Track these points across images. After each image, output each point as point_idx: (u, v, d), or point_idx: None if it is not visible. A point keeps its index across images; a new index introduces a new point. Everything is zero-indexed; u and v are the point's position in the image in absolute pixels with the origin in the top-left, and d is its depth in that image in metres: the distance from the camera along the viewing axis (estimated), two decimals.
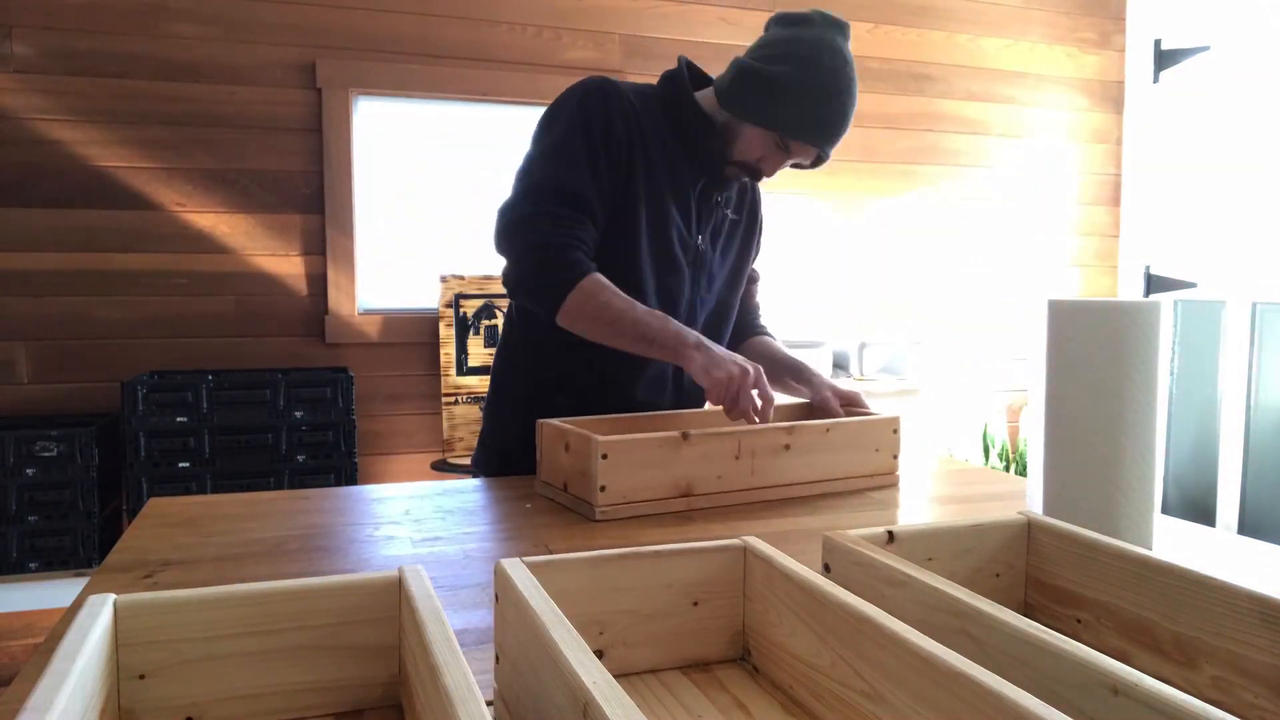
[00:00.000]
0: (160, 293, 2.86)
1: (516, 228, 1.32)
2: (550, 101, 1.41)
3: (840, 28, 1.37)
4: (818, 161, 1.41)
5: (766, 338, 1.64)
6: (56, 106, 2.75)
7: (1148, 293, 3.76)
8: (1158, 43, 3.72)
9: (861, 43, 3.51)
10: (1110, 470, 0.92)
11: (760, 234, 1.61)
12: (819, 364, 3.23)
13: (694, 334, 1.28)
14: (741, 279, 1.57)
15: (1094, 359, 0.92)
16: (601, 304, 1.28)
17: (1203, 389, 3.52)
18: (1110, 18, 3.83)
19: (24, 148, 2.73)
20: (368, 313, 3.06)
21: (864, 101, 3.52)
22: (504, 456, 1.48)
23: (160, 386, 2.59)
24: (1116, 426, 0.92)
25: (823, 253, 3.52)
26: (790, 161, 1.41)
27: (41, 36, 2.73)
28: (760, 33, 1.41)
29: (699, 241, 1.46)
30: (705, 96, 1.44)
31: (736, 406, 1.24)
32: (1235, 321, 3.37)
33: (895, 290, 3.63)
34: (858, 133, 3.52)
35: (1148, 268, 3.77)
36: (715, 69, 1.47)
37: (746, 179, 1.45)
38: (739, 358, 1.26)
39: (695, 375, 1.26)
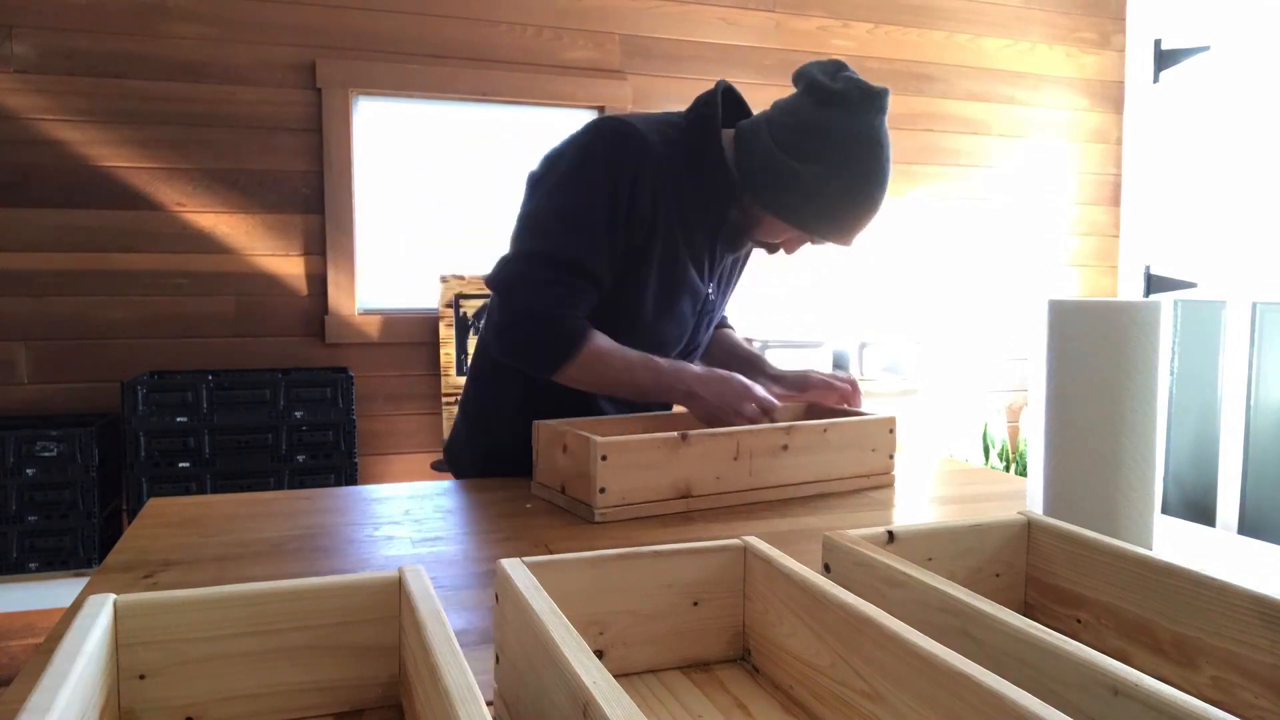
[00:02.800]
0: (160, 293, 2.86)
1: (517, 288, 1.27)
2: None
3: (877, 100, 1.24)
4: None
5: (727, 330, 1.63)
6: (56, 106, 2.75)
7: (1148, 293, 3.76)
8: (1158, 43, 3.72)
9: (861, 43, 3.51)
10: (1111, 470, 0.92)
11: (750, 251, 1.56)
12: (819, 364, 3.23)
13: (684, 379, 1.28)
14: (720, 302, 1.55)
15: (1095, 359, 0.92)
16: (598, 374, 1.29)
17: (1203, 389, 3.52)
18: (1110, 18, 3.83)
19: (24, 148, 2.73)
20: (368, 313, 3.06)
21: None
22: (489, 463, 1.44)
23: (160, 386, 2.59)
24: (1117, 426, 0.92)
25: (822, 252, 3.52)
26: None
27: (41, 36, 2.73)
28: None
29: (710, 291, 1.43)
30: (730, 139, 1.35)
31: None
32: (1235, 321, 3.37)
33: (895, 290, 3.63)
34: None
35: (1148, 268, 3.77)
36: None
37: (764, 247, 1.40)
38: (731, 385, 1.27)
39: (703, 422, 1.28)
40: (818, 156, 1.24)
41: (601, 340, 1.28)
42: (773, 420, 1.29)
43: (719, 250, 1.41)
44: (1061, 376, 0.95)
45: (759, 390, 1.28)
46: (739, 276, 1.55)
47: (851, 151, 1.23)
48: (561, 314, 1.26)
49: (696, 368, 1.30)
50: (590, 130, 1.31)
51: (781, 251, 1.40)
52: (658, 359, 1.30)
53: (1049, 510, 0.98)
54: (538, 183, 1.34)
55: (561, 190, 1.29)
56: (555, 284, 1.26)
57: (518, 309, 1.27)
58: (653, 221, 1.30)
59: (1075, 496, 0.95)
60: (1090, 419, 0.93)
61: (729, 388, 1.27)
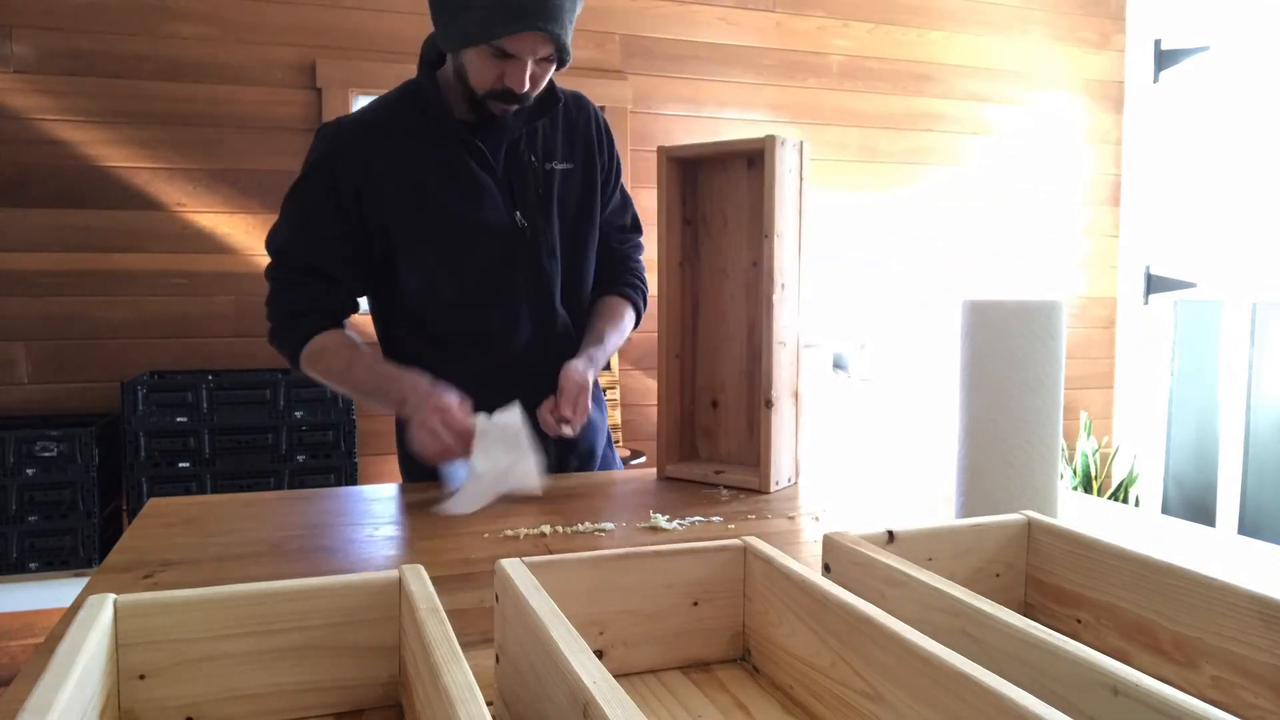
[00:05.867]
0: (160, 293, 2.86)
1: (270, 292, 1.37)
2: None
3: None
4: (560, 54, 1.24)
5: (610, 298, 1.49)
6: (57, 106, 2.75)
7: (1148, 293, 3.76)
8: (1158, 43, 3.72)
9: (861, 42, 3.51)
10: (1013, 459, 1.00)
11: (610, 170, 1.47)
12: (819, 364, 3.23)
13: (400, 386, 1.26)
14: (591, 225, 1.44)
15: (1002, 355, 0.99)
16: (322, 369, 1.35)
17: (1203, 389, 3.52)
18: (1110, 18, 3.83)
19: (24, 148, 2.73)
20: (368, 313, 3.05)
21: (864, 101, 3.52)
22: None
23: (160, 386, 2.59)
24: (1019, 417, 0.99)
25: (822, 253, 3.52)
26: (529, 66, 1.23)
27: (41, 36, 2.73)
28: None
29: (518, 219, 1.35)
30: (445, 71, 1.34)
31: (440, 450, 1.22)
32: (1234, 321, 3.37)
33: (896, 290, 3.63)
34: (857, 133, 3.52)
35: (1148, 268, 3.77)
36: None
37: (512, 107, 1.30)
38: (422, 404, 1.21)
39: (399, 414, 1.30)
40: None
41: (328, 340, 1.34)
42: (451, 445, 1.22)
43: (524, 167, 1.36)
44: (973, 372, 1.02)
45: (448, 418, 1.20)
46: (583, 196, 1.43)
47: None
48: (295, 317, 1.34)
49: (422, 382, 1.25)
50: (313, 140, 1.36)
51: (532, 83, 1.28)
52: (390, 367, 1.33)
53: (964, 502, 1.03)
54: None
55: (289, 194, 1.36)
56: (294, 286, 1.34)
57: (268, 309, 1.37)
58: (384, 201, 1.30)
59: (984, 488, 1.01)
60: (996, 409, 1.00)
61: (423, 422, 1.20)
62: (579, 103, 1.44)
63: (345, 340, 1.36)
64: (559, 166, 1.39)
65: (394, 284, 1.37)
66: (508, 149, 1.35)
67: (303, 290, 1.34)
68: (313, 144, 1.34)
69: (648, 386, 3.26)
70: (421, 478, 1.40)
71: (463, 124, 1.32)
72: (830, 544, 0.73)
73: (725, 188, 1.38)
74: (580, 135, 1.43)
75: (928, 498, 1.27)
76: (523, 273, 1.37)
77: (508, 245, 1.35)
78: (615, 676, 0.48)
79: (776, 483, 1.30)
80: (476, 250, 1.34)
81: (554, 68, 1.28)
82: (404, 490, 1.32)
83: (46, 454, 2.50)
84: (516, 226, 1.35)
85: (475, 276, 1.34)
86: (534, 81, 1.26)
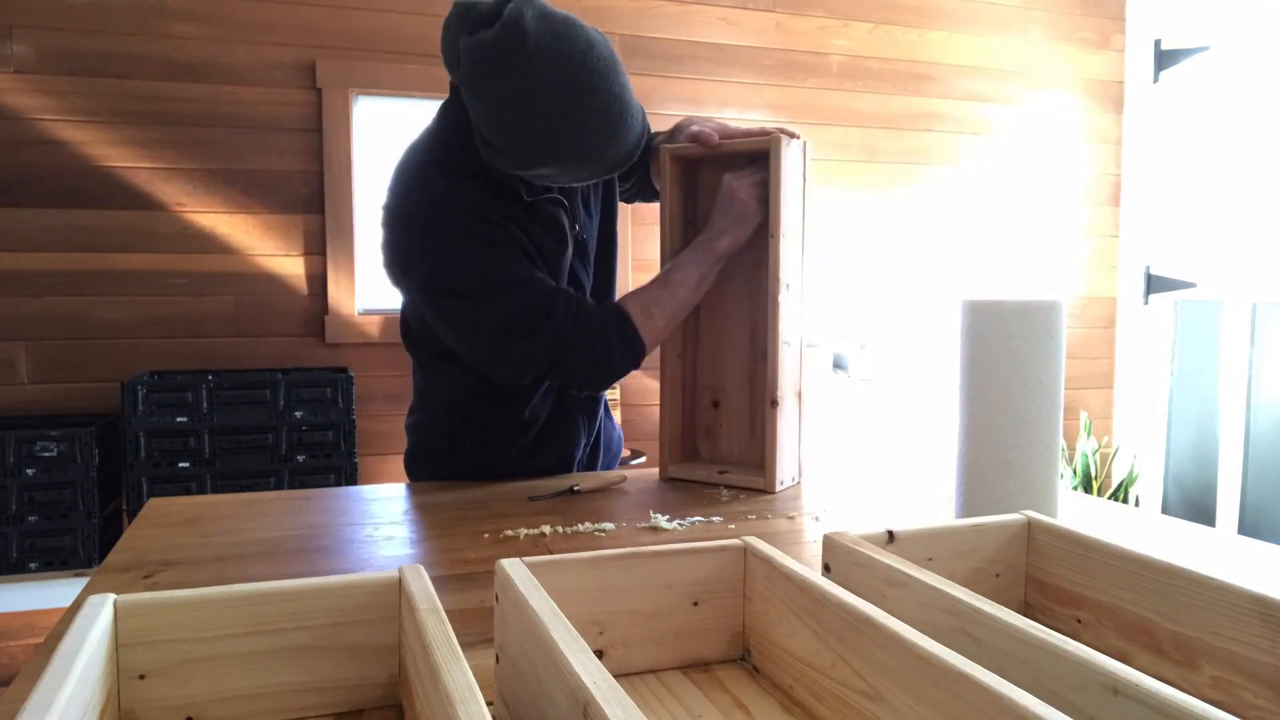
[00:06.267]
0: (160, 293, 2.86)
1: (567, 337, 1.26)
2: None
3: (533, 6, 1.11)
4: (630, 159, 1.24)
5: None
6: (57, 106, 2.75)
7: (1148, 293, 3.76)
8: (1158, 43, 3.72)
9: (861, 43, 3.51)
10: (1013, 459, 1.00)
11: None
12: (819, 364, 3.23)
13: (707, 246, 1.32)
14: (615, 220, 1.48)
15: (1002, 355, 0.99)
16: (661, 314, 1.31)
17: (1203, 389, 3.52)
18: (1110, 18, 3.83)
19: (24, 148, 2.73)
20: (368, 313, 3.06)
21: (864, 101, 3.52)
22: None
23: (160, 386, 2.59)
24: (1019, 416, 0.99)
25: (822, 253, 3.52)
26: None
27: (41, 36, 2.73)
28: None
29: (577, 232, 1.37)
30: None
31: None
32: (1234, 321, 3.37)
33: (896, 290, 3.63)
34: (858, 132, 3.52)
35: (1148, 268, 3.77)
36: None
37: None
38: (732, 202, 1.31)
39: (747, 237, 1.33)
40: (505, 126, 1.15)
41: (630, 302, 1.31)
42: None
43: (569, 191, 1.36)
44: (973, 372, 1.02)
45: (745, 182, 1.31)
46: (606, 190, 1.47)
47: (527, 101, 1.12)
48: (606, 327, 1.27)
49: (705, 238, 1.33)
50: (428, 218, 1.24)
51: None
52: (676, 264, 1.33)
53: (964, 502, 1.04)
54: (446, 289, 1.26)
55: (480, 278, 1.24)
56: (576, 308, 1.27)
57: (587, 354, 1.27)
58: (512, 224, 1.27)
59: (984, 488, 1.02)
60: (996, 409, 1.00)
61: (733, 209, 1.31)
62: None
63: (631, 294, 1.33)
64: None
65: None
66: None
67: (585, 304, 1.29)
68: (447, 224, 1.23)
69: (648, 386, 3.26)
70: (427, 477, 1.41)
71: None
72: (830, 544, 0.73)
73: None
74: None
75: (928, 498, 1.27)
76: (584, 274, 1.40)
77: (577, 261, 1.37)
78: (615, 676, 0.48)
79: (781, 483, 1.30)
80: (562, 268, 1.34)
81: None
82: (412, 490, 1.32)
83: (46, 454, 2.50)
84: (580, 239, 1.38)
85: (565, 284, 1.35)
86: None
